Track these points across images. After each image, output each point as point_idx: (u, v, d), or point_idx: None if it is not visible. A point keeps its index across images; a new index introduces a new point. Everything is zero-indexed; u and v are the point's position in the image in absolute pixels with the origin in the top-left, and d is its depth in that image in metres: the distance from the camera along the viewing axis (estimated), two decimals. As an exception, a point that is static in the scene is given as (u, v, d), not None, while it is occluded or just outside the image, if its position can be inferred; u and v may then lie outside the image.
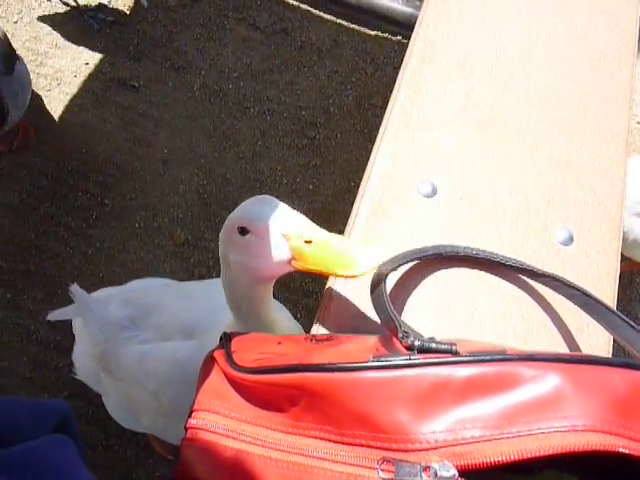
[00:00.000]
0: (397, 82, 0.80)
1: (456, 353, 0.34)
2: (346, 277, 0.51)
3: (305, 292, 1.56)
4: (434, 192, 0.70)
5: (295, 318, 0.82)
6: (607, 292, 0.68)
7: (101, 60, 1.93)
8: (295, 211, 0.57)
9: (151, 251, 1.61)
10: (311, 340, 0.46)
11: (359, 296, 0.62)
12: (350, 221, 0.69)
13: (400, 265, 0.60)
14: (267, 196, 0.58)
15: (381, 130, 0.75)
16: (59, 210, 1.66)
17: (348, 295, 0.63)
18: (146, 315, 0.90)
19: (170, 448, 1.31)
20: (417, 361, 0.33)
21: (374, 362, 0.34)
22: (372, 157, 0.73)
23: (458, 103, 0.78)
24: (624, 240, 1.39)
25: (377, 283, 0.50)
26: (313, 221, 0.56)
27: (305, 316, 1.49)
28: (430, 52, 0.82)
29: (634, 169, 1.44)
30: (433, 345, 0.34)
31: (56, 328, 1.47)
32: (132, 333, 0.88)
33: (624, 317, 0.51)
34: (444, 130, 0.76)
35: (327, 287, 0.64)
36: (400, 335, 0.37)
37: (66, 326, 1.48)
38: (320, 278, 1.56)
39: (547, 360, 0.32)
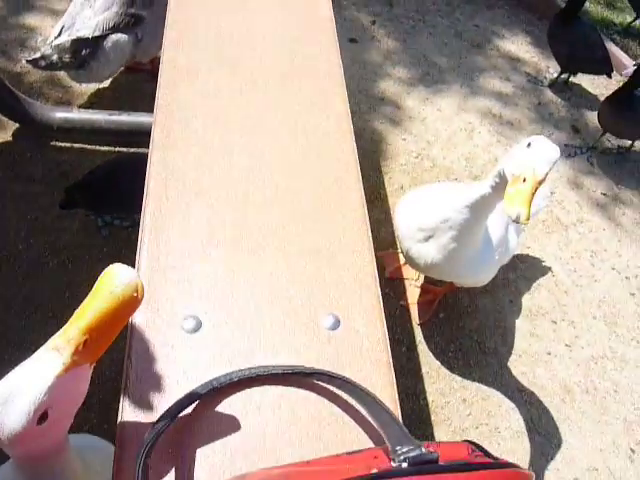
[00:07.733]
0: (140, 226, 0.81)
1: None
2: None
3: None
4: (199, 325, 0.72)
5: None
6: (382, 358, 0.72)
7: None
8: None
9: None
10: None
11: None
12: (123, 381, 0.67)
13: (173, 419, 0.59)
14: None
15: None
16: None
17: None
18: None
19: None
20: None
21: None
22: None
23: (202, 229, 0.81)
24: (418, 265, 1.45)
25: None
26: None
27: None
28: (165, 189, 0.85)
29: (411, 200, 1.51)
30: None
31: None
32: None
33: (378, 400, 0.54)
34: (195, 260, 0.78)
35: None
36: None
37: None
38: None
39: None
